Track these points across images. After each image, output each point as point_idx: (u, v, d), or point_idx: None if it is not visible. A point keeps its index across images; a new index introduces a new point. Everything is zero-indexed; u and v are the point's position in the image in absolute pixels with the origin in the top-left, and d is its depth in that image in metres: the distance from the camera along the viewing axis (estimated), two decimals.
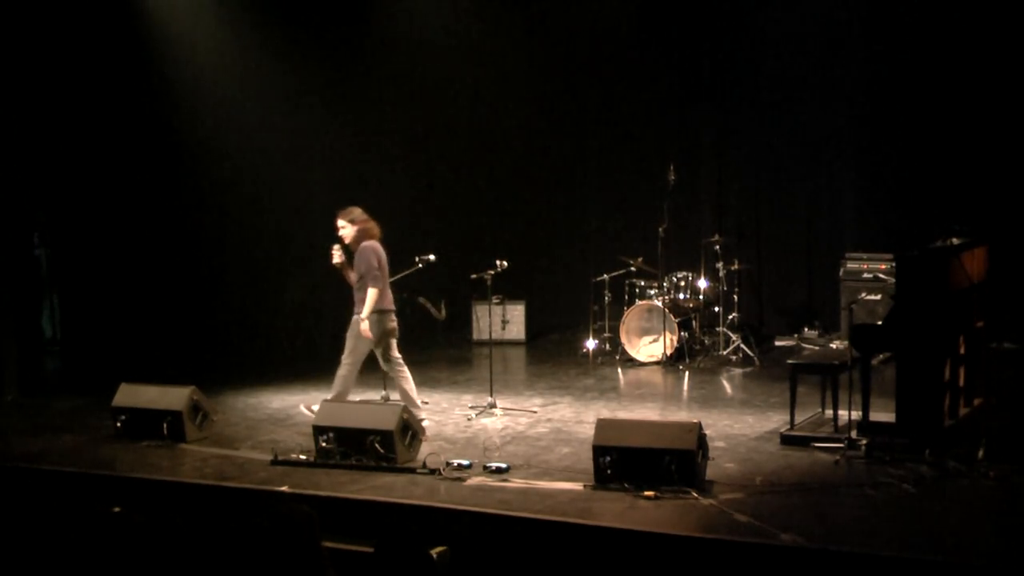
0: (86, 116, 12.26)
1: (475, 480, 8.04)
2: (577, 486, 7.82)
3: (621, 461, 7.75)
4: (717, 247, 12.74)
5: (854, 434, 8.58)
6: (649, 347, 12.51)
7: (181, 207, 13.00)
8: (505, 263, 10.60)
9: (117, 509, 7.18)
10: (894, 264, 10.06)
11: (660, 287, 12.65)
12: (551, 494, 7.71)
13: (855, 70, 13.25)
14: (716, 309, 12.94)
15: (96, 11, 12.21)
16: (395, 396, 10.60)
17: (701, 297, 12.86)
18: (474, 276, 10.83)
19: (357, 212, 9.87)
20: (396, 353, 9.53)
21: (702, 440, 7.82)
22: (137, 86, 12.59)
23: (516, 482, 7.96)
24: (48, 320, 13.35)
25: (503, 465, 8.24)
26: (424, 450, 8.68)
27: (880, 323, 8.92)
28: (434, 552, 6.47)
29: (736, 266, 12.82)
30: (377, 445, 8.38)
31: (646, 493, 7.53)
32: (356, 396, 10.85)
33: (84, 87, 12.23)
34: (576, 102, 14.59)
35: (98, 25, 12.21)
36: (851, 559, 6.44)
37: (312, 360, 13.00)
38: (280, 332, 13.70)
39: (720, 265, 12.74)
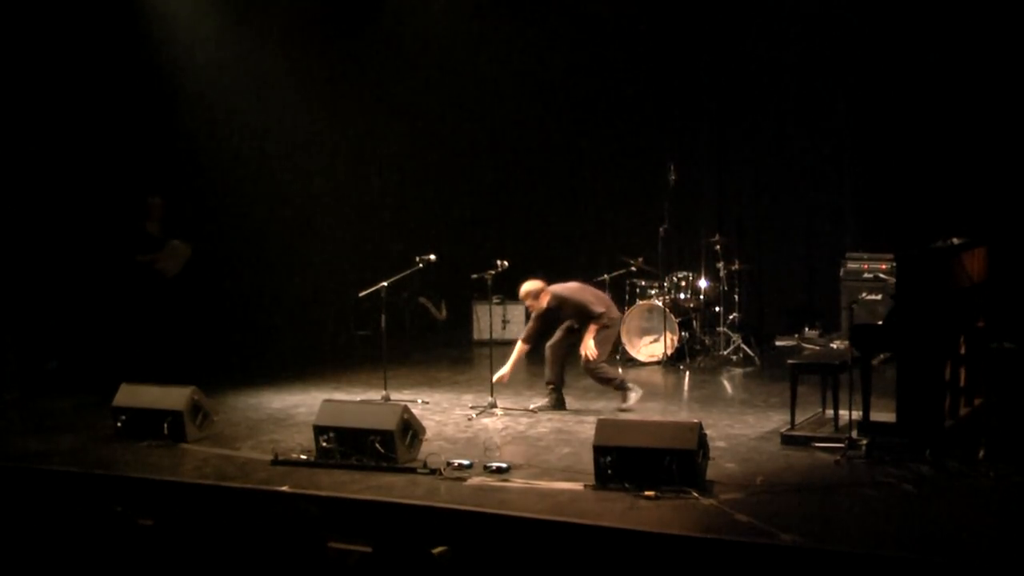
0: (87, 114, 12.26)
1: (475, 480, 8.03)
2: (577, 486, 7.82)
3: (621, 461, 7.74)
4: (717, 247, 12.74)
5: (854, 434, 8.57)
6: (650, 347, 12.52)
7: (181, 207, 12.99)
8: (505, 263, 10.60)
9: (119, 509, 7.18)
10: (895, 264, 10.07)
11: (660, 287, 12.65)
12: (551, 494, 7.70)
13: (856, 70, 13.25)
14: (716, 309, 12.95)
15: (96, 10, 12.22)
16: (395, 396, 10.63)
17: (701, 297, 12.86)
18: (474, 276, 10.84)
19: None
20: None
21: (702, 440, 7.81)
22: (138, 84, 12.59)
23: (516, 482, 7.96)
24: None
25: (503, 465, 8.23)
26: (423, 450, 8.68)
27: (881, 323, 8.92)
28: (434, 552, 6.48)
29: (736, 266, 12.82)
30: (378, 445, 8.37)
31: (646, 493, 7.52)
32: (357, 396, 10.88)
33: (86, 84, 12.22)
34: (576, 102, 14.59)
35: (97, 22, 12.21)
36: (851, 559, 6.43)
37: (312, 360, 13.01)
38: (280, 332, 13.70)
39: (720, 265, 12.74)
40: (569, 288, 10.38)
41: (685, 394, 11.21)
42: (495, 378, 10.30)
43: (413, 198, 14.79)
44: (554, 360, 10.34)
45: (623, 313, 12.60)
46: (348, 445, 8.50)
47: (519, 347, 10.39)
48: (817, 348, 12.52)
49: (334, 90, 14.15)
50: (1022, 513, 7.18)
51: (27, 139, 12.03)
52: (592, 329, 10.16)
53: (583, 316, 10.24)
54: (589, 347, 10.13)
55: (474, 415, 10.07)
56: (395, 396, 10.62)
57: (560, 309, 10.32)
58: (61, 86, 12.11)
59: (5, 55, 11.74)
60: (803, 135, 13.62)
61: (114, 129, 12.48)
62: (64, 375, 11.87)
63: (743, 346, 12.50)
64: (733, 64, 13.76)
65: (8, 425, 10.25)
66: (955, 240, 9.00)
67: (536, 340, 10.44)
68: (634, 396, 10.18)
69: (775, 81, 13.58)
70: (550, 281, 10.41)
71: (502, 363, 10.37)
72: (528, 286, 10.27)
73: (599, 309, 10.23)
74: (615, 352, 12.74)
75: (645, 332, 12.59)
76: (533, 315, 10.39)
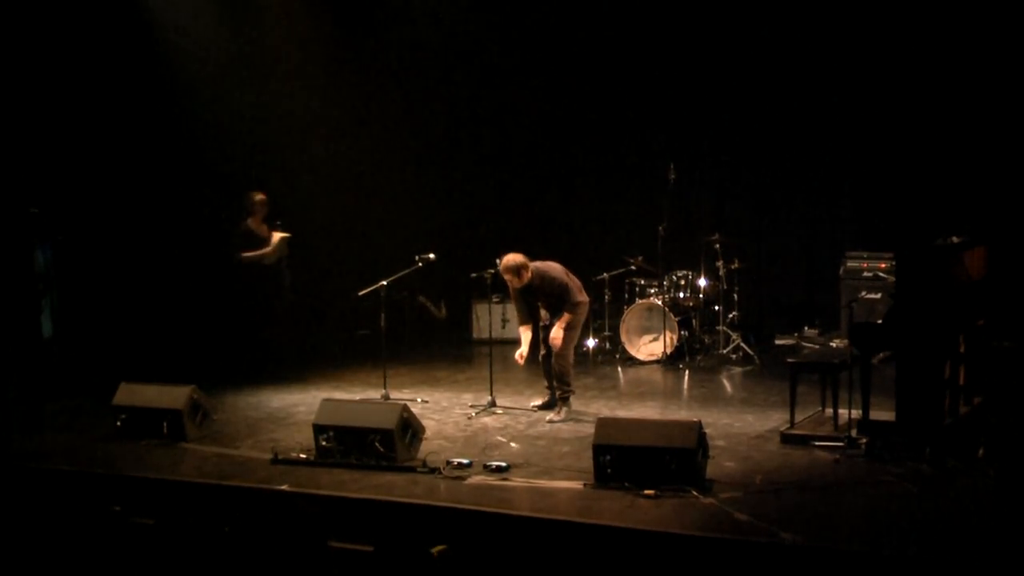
0: (87, 110, 12.24)
1: (475, 479, 8.04)
2: (577, 485, 7.82)
3: (621, 460, 7.75)
4: (717, 246, 12.74)
5: (854, 433, 8.58)
6: (649, 346, 12.52)
7: (181, 205, 13.00)
8: None
9: (117, 508, 7.18)
10: (894, 262, 10.06)
11: (660, 286, 12.65)
12: (551, 493, 7.71)
13: (856, 69, 13.24)
14: (716, 308, 12.94)
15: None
16: (395, 395, 10.63)
17: (701, 296, 12.86)
18: (473, 275, 10.84)
19: None
20: None
21: (702, 439, 7.82)
22: (137, 80, 12.58)
23: (516, 481, 7.96)
24: (48, 319, 13.31)
25: (503, 464, 8.24)
26: (423, 449, 8.68)
27: (880, 322, 8.92)
28: (434, 551, 6.49)
29: (736, 265, 12.82)
30: (377, 444, 8.38)
31: (646, 492, 7.52)
32: (356, 395, 10.88)
33: (83, 81, 12.21)
34: (576, 101, 14.58)
35: (92, 13, 12.19)
36: (851, 558, 6.44)
37: (312, 359, 13.00)
38: (280, 331, 13.69)
39: (720, 264, 12.74)
40: (552, 268, 10.07)
41: (685, 393, 11.21)
42: (517, 356, 10.09)
43: (413, 197, 14.78)
44: (549, 369, 10.27)
45: (623, 312, 12.64)
46: (348, 444, 8.50)
47: (523, 331, 10.13)
48: (817, 347, 12.52)
49: (335, 89, 14.14)
50: (1022, 513, 7.18)
51: (28, 135, 12.03)
52: (566, 317, 9.93)
53: (560, 301, 9.98)
54: (559, 336, 9.87)
55: (474, 414, 10.07)
56: (395, 395, 10.62)
57: (539, 289, 10.01)
58: (58, 81, 12.10)
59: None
60: (803, 134, 13.61)
61: (114, 127, 12.47)
62: (64, 375, 11.85)
63: (743, 345, 12.50)
64: (732, 63, 13.74)
65: (8, 425, 10.24)
66: (955, 239, 9.00)
67: (531, 315, 10.16)
68: (565, 413, 9.92)
69: (775, 80, 13.57)
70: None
71: (502, 362, 10.39)
72: (512, 260, 9.89)
73: (580, 298, 10.02)
74: (614, 352, 12.78)
75: (645, 331, 12.59)
76: (514, 295, 10.11)
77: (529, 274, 9.92)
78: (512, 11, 14.36)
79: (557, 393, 10.04)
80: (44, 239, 12.34)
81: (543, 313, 10.27)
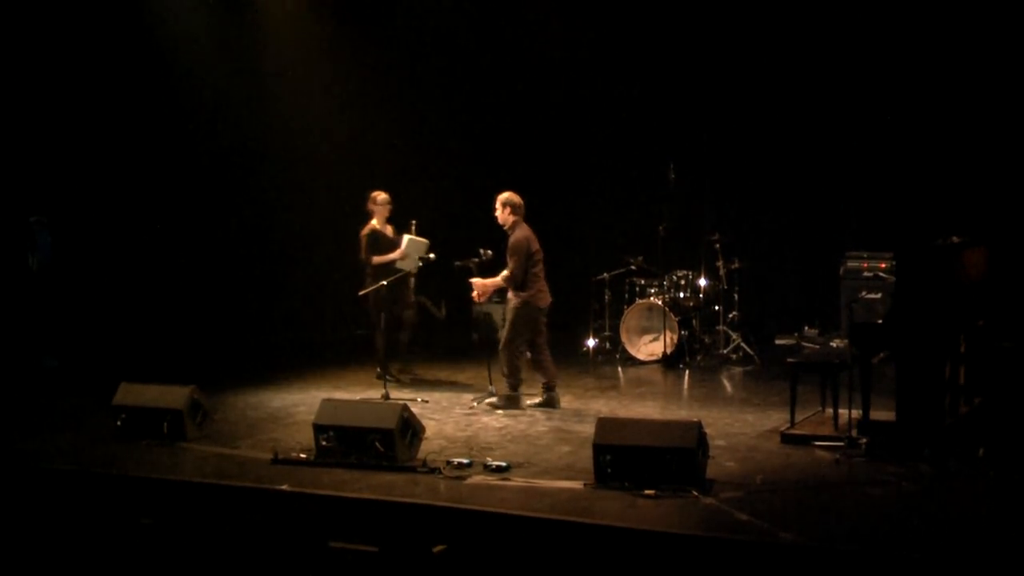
0: (87, 110, 12.27)
1: (475, 479, 8.03)
2: (577, 485, 7.82)
3: (621, 460, 7.74)
4: (717, 245, 12.75)
5: (854, 433, 8.58)
6: (649, 346, 12.52)
7: (180, 206, 13.01)
8: (489, 252, 10.62)
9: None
10: (894, 262, 10.06)
11: (660, 286, 12.66)
12: (551, 493, 7.70)
13: (856, 69, 13.25)
14: (716, 308, 12.95)
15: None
16: (395, 395, 10.63)
17: (701, 296, 12.86)
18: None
19: None
20: None
21: (702, 438, 7.81)
22: (138, 78, 12.60)
23: (516, 481, 7.96)
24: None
25: (503, 464, 8.24)
26: (424, 449, 8.68)
27: (880, 322, 8.92)
28: (434, 551, 6.49)
29: (736, 265, 12.83)
30: (377, 444, 8.37)
31: (646, 492, 7.52)
32: (356, 395, 10.88)
33: (84, 80, 12.23)
34: (577, 101, 14.59)
35: (93, 12, 12.21)
36: (851, 558, 6.44)
37: (312, 359, 13.00)
38: (280, 331, 13.71)
39: (720, 264, 12.75)
40: (520, 241, 10.11)
41: (685, 393, 11.22)
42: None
43: (413, 197, 14.77)
44: (538, 362, 10.28)
45: (623, 312, 12.64)
46: (348, 444, 8.49)
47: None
48: (817, 347, 12.51)
49: (335, 89, 14.15)
50: (1022, 513, 7.18)
51: (29, 133, 12.04)
52: (500, 282, 10.13)
53: (509, 265, 10.00)
54: (481, 286, 10.19)
55: (475, 404, 10.09)
56: (395, 395, 10.62)
57: (509, 245, 10.10)
58: (57, 81, 12.12)
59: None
60: (803, 134, 13.61)
61: (115, 127, 12.48)
62: (64, 375, 11.84)
63: (743, 345, 12.51)
64: (733, 63, 13.75)
65: (8, 425, 10.24)
66: (955, 239, 9.00)
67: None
68: (503, 402, 10.06)
69: (775, 80, 13.58)
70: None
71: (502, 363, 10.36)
72: (502, 195, 10.20)
73: (521, 291, 10.03)
74: (615, 351, 12.79)
75: (645, 331, 12.59)
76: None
77: (505, 214, 10.17)
78: (512, 12, 14.36)
79: (508, 383, 10.15)
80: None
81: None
